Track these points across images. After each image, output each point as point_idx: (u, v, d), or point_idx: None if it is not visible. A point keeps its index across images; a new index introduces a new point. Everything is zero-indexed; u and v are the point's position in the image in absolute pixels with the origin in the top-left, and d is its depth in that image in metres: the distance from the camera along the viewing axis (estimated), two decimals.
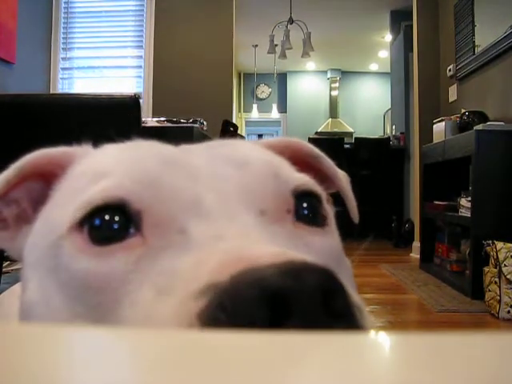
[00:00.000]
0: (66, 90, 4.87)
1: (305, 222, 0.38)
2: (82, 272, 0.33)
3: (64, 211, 0.36)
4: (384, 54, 8.43)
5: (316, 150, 0.52)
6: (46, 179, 0.43)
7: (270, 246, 0.31)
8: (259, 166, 0.39)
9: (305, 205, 0.39)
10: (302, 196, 0.39)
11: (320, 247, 0.38)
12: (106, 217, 0.34)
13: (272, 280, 0.25)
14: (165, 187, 0.35)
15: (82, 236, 0.34)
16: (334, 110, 9.86)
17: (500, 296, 2.48)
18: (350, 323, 0.27)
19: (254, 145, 0.45)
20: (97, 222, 0.34)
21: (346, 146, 6.38)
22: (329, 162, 0.52)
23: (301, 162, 0.48)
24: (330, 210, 0.43)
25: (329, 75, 9.95)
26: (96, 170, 0.38)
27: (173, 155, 0.39)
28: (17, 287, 0.75)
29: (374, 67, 9.69)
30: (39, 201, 0.42)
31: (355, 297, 0.29)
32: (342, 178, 0.54)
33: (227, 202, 0.35)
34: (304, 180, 0.40)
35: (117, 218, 0.34)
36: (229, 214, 0.34)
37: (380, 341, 0.20)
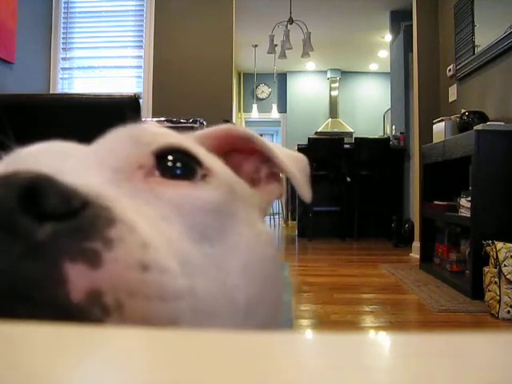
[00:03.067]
0: (66, 90, 4.87)
1: (170, 178, 0.39)
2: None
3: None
4: (384, 54, 8.44)
5: (248, 132, 0.52)
6: None
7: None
8: (122, 133, 0.41)
9: (168, 163, 0.39)
10: (169, 155, 0.40)
11: (175, 197, 0.37)
12: None
13: None
14: (23, 162, 0.36)
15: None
16: (333, 110, 9.87)
17: (500, 296, 2.48)
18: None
19: (152, 126, 0.47)
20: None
21: (346, 146, 6.38)
22: (261, 141, 0.52)
23: (240, 146, 0.51)
24: (223, 169, 0.44)
25: (329, 75, 9.96)
26: None
27: (63, 146, 0.40)
28: None
29: (373, 67, 9.69)
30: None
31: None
32: (295, 158, 0.55)
33: (83, 167, 0.36)
34: (169, 141, 0.41)
35: None
36: (82, 176, 0.34)
37: (380, 341, 0.20)
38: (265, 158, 0.52)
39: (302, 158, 0.57)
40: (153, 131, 0.42)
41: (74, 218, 0.27)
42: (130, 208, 0.32)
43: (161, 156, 0.39)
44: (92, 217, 0.27)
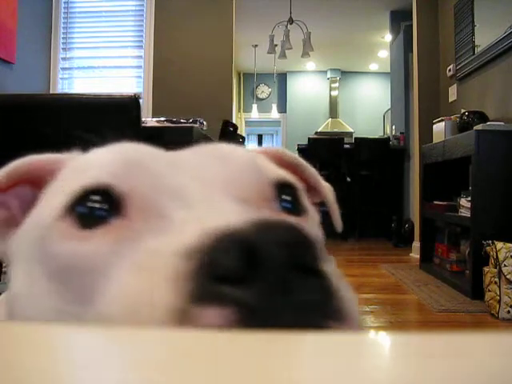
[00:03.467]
0: (66, 90, 4.87)
1: (286, 212, 0.39)
2: (68, 255, 0.34)
3: (49, 205, 0.37)
4: (384, 54, 8.44)
5: (299, 159, 0.53)
6: (36, 185, 0.44)
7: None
8: (241, 159, 0.40)
9: (285, 196, 0.40)
10: (282, 188, 0.40)
11: None
12: (91, 202, 0.35)
13: (242, 233, 0.27)
14: (148, 172, 0.36)
15: (68, 222, 0.35)
16: (333, 110, 9.87)
17: (500, 296, 2.48)
18: (318, 278, 0.28)
19: (238, 146, 0.47)
20: (82, 207, 0.35)
21: (346, 146, 6.38)
22: (312, 171, 0.54)
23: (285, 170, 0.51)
24: (311, 207, 0.44)
25: (329, 75, 9.96)
26: (84, 165, 0.39)
27: (157, 151, 0.40)
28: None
29: (373, 67, 9.69)
30: (29, 206, 0.43)
31: (330, 265, 0.30)
32: (326, 187, 0.56)
33: (209, 190, 0.36)
34: (284, 174, 0.42)
35: (101, 203, 0.35)
36: (210, 200, 0.35)
37: (380, 341, 0.20)
38: (306, 186, 0.52)
39: (331, 188, 0.58)
40: (264, 159, 0.43)
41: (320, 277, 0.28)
42: None
43: (278, 188, 0.40)
44: (327, 287, 0.29)
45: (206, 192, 0.36)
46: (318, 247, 0.29)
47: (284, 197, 0.40)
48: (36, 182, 0.44)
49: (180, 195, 0.35)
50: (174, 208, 0.34)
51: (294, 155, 0.53)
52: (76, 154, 0.45)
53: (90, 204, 0.35)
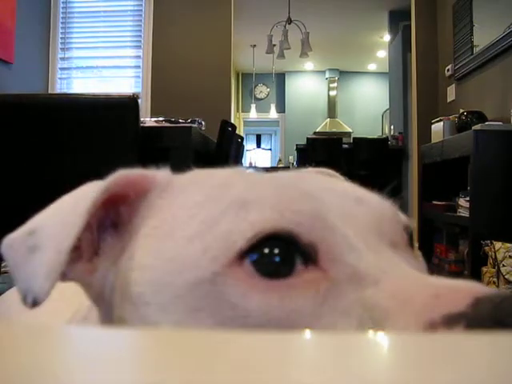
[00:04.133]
0: (65, 90, 4.86)
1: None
2: (260, 308, 0.31)
3: (198, 244, 0.34)
4: (382, 53, 8.44)
5: None
6: (112, 202, 0.40)
7: (427, 276, 0.34)
8: (377, 201, 0.41)
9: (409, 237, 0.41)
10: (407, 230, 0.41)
11: (423, 268, 0.41)
12: (275, 249, 0.33)
13: (506, 310, 0.27)
14: (328, 221, 0.35)
15: (244, 270, 0.32)
16: (332, 109, 9.87)
17: None
18: None
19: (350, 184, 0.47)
20: (262, 255, 0.32)
21: (345, 146, 6.38)
22: None
23: None
24: None
25: (327, 75, 9.96)
26: (229, 199, 0.36)
27: (305, 187, 0.38)
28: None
29: (372, 67, 9.70)
30: (103, 225, 0.39)
31: None
32: None
33: (364, 236, 0.35)
34: (406, 218, 0.43)
35: (285, 251, 0.33)
36: (370, 247, 0.34)
37: (379, 341, 0.20)
38: None
39: None
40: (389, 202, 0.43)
41: None
42: None
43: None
44: None
45: (362, 237, 0.35)
46: None
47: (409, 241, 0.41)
48: (114, 200, 0.39)
49: (348, 242, 0.34)
50: (351, 256, 0.33)
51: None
52: (167, 174, 0.41)
53: (272, 251, 0.33)
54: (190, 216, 0.36)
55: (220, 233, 0.33)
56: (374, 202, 0.40)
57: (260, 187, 0.37)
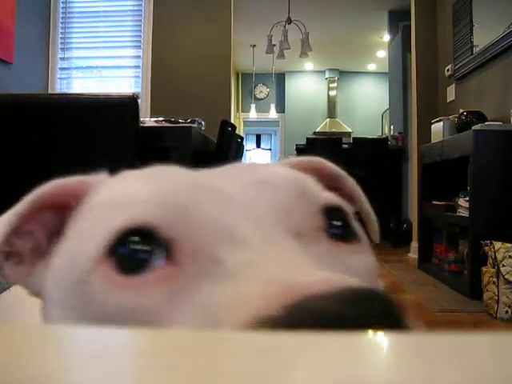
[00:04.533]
0: (65, 90, 4.86)
1: (338, 240, 0.37)
2: (114, 306, 0.31)
3: (87, 244, 0.34)
4: (382, 53, 8.44)
5: (338, 169, 0.50)
6: (60, 210, 0.41)
7: (314, 270, 0.30)
8: (285, 184, 0.38)
9: (336, 222, 0.37)
10: (332, 213, 0.38)
11: (356, 265, 0.36)
12: (135, 245, 0.32)
13: (332, 310, 0.24)
14: (196, 214, 0.33)
15: (109, 267, 0.32)
16: (332, 109, 9.87)
17: (498, 296, 2.48)
18: None
19: (277, 164, 0.44)
20: (124, 250, 0.32)
21: (344, 145, 6.38)
22: (352, 182, 0.51)
23: (323, 181, 0.47)
24: (359, 227, 0.41)
25: (327, 75, 9.96)
26: (118, 198, 0.36)
27: (199, 180, 0.37)
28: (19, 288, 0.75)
29: (372, 67, 9.70)
30: (54, 232, 0.41)
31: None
32: (364, 198, 0.52)
33: (261, 227, 0.33)
34: (332, 197, 0.39)
35: (146, 246, 0.32)
36: (264, 239, 0.32)
37: (379, 341, 0.20)
38: (347, 196, 0.49)
39: (366, 200, 0.55)
40: (305, 179, 0.40)
41: None
42: None
43: (327, 214, 0.37)
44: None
45: (257, 227, 0.33)
46: (405, 313, 0.27)
47: (334, 222, 0.37)
48: (60, 208, 0.41)
49: (231, 235, 0.32)
50: (227, 250, 0.31)
51: (333, 165, 0.50)
52: (102, 176, 0.42)
53: (132, 246, 0.32)
54: (90, 216, 0.37)
55: (98, 230, 0.34)
56: (281, 187, 0.37)
57: (149, 184, 0.36)
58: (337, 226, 0.37)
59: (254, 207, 0.35)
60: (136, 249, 0.32)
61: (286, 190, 0.37)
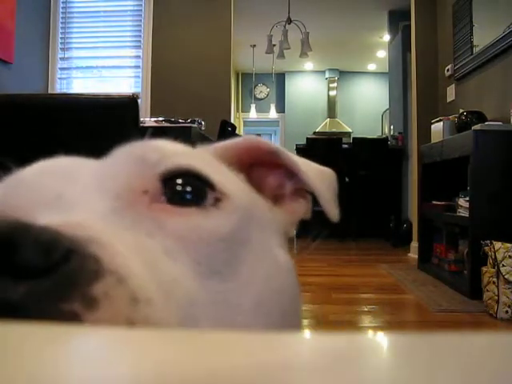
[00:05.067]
0: (65, 90, 4.87)
1: (176, 204, 0.35)
2: None
3: None
4: (382, 53, 8.45)
5: (272, 145, 0.48)
6: None
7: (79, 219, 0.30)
8: (125, 153, 0.38)
9: (177, 187, 0.36)
10: (177, 178, 0.36)
11: (179, 227, 0.34)
12: None
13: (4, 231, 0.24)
14: (26, 188, 0.35)
15: None
16: (332, 109, 9.87)
17: (498, 296, 2.48)
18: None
19: (168, 142, 0.43)
20: None
21: (344, 146, 6.39)
22: (287, 156, 0.48)
23: (264, 160, 0.47)
24: (239, 191, 0.40)
25: (327, 75, 9.97)
26: None
27: (65, 164, 0.39)
28: None
29: (372, 67, 9.70)
30: None
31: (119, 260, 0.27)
32: (310, 171, 0.49)
33: (86, 191, 0.34)
34: (178, 162, 0.37)
35: None
36: (84, 202, 0.33)
37: (378, 341, 0.20)
38: (290, 173, 0.49)
39: (330, 173, 0.53)
40: (160, 150, 0.39)
41: (54, 273, 0.24)
42: (128, 245, 0.29)
43: (168, 179, 0.36)
44: (73, 271, 0.24)
45: (82, 194, 0.34)
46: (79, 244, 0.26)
47: (179, 188, 0.36)
48: None
49: (58, 202, 0.33)
50: (44, 214, 0.31)
51: (268, 142, 0.48)
52: None
53: None
54: None
55: None
56: (121, 155, 0.38)
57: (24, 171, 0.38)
58: (175, 191, 0.36)
59: (90, 176, 0.36)
60: None
61: (122, 159, 0.38)
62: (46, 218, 0.30)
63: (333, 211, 0.49)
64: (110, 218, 0.32)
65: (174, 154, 0.39)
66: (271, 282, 0.36)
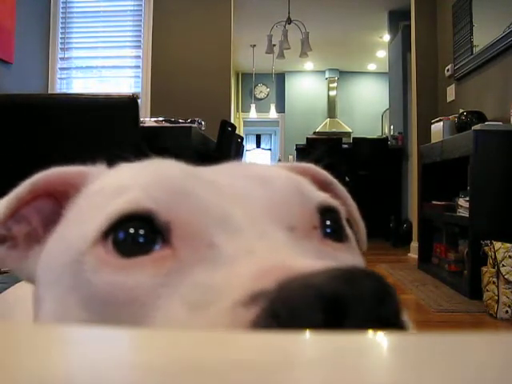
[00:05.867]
0: (65, 90, 4.87)
1: (330, 239, 0.38)
2: (107, 285, 0.32)
3: (82, 227, 0.35)
4: (382, 53, 8.44)
5: (330, 176, 0.51)
6: (58, 198, 0.42)
7: (302, 258, 0.30)
8: (283, 182, 0.39)
9: (328, 221, 0.38)
10: (325, 212, 0.39)
11: (345, 262, 0.36)
12: (132, 229, 0.33)
13: (326, 285, 0.24)
14: (192, 199, 0.34)
15: (105, 249, 0.33)
16: (332, 109, 9.87)
17: (498, 296, 2.48)
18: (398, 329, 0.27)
19: (271, 166, 0.45)
20: (122, 234, 0.33)
21: (344, 146, 6.39)
22: (342, 189, 0.52)
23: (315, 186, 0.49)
24: (349, 228, 0.43)
25: (327, 75, 9.96)
26: (116, 185, 0.37)
27: (196, 170, 0.38)
28: (19, 287, 0.76)
29: (372, 67, 9.69)
30: (51, 220, 0.41)
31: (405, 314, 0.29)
32: (353, 205, 0.53)
33: (256, 217, 0.34)
34: (326, 197, 0.40)
35: (143, 230, 0.33)
36: (258, 229, 0.33)
37: (378, 341, 0.20)
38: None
39: (355, 206, 0.56)
40: (306, 182, 0.41)
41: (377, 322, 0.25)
42: None
43: (321, 214, 0.38)
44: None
45: (253, 219, 0.34)
46: (398, 298, 0.27)
47: (327, 222, 0.38)
48: (58, 195, 0.42)
49: (226, 223, 0.33)
50: (222, 237, 0.32)
51: (325, 172, 0.51)
52: (101, 168, 0.44)
53: (130, 230, 0.33)
54: (87, 202, 0.38)
55: (95, 214, 0.35)
56: (279, 184, 0.38)
57: (146, 172, 0.37)
58: (329, 225, 0.38)
59: (249, 199, 0.36)
60: (133, 233, 0.33)
61: (283, 187, 0.38)
62: (227, 241, 0.32)
63: (364, 240, 0.53)
64: (295, 250, 0.32)
65: (312, 186, 0.41)
66: None
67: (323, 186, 0.50)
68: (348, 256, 0.38)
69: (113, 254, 0.32)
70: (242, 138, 4.34)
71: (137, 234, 0.33)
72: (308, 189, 0.40)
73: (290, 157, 9.07)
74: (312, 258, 0.32)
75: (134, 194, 0.34)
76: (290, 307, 0.24)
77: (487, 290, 2.59)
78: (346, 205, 0.51)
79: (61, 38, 4.84)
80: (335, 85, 9.93)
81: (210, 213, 0.34)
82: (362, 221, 0.54)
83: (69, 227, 0.38)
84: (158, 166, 0.39)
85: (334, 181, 0.51)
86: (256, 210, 0.35)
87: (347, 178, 6.05)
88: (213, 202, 0.34)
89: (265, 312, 0.25)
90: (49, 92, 4.71)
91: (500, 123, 3.12)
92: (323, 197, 0.40)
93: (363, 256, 0.42)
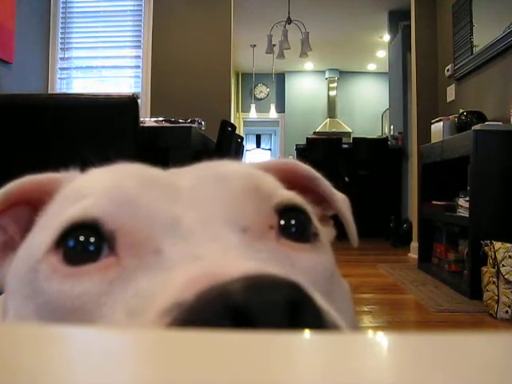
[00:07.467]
0: (65, 90, 4.87)
1: (291, 239, 0.37)
2: (55, 293, 0.32)
3: (42, 235, 0.36)
4: (382, 53, 8.44)
5: (312, 171, 0.50)
6: (33, 206, 0.43)
7: (248, 262, 0.30)
8: (240, 181, 0.38)
9: (291, 221, 0.38)
10: (287, 212, 0.38)
11: (306, 264, 0.36)
12: (81, 237, 0.33)
13: (236, 295, 0.25)
14: (140, 207, 0.35)
15: (57, 258, 0.33)
16: (332, 109, 9.87)
17: (498, 296, 2.48)
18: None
19: (242, 164, 0.45)
20: (71, 242, 0.33)
21: (344, 146, 6.39)
22: (326, 184, 0.51)
23: (297, 183, 0.48)
24: (322, 228, 0.41)
25: (327, 75, 9.96)
26: (77, 192, 0.37)
27: (154, 176, 0.38)
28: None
29: (372, 67, 9.70)
30: (27, 228, 0.42)
31: (331, 313, 0.28)
32: (341, 200, 0.52)
33: (208, 220, 0.34)
34: (289, 196, 0.39)
35: (92, 239, 0.33)
36: (209, 233, 0.33)
37: (378, 341, 0.20)
38: (319, 198, 0.50)
39: (346, 199, 0.55)
40: (265, 179, 0.40)
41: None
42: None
43: (281, 213, 0.38)
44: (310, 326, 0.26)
45: (204, 222, 0.34)
46: (318, 305, 0.27)
47: (290, 222, 0.37)
48: (33, 204, 0.42)
49: (175, 229, 0.33)
50: (170, 243, 0.32)
51: (308, 167, 0.50)
52: (74, 173, 0.44)
53: (79, 238, 0.33)
54: (53, 210, 0.39)
55: (52, 222, 0.36)
56: (235, 184, 0.38)
57: (103, 179, 0.38)
58: (290, 225, 0.37)
59: (204, 201, 0.36)
60: (82, 241, 0.33)
61: (240, 186, 0.38)
62: (173, 247, 0.32)
63: (355, 236, 0.53)
64: (245, 252, 0.32)
65: (275, 184, 0.40)
66: (345, 309, 0.38)
67: (306, 182, 0.49)
68: (311, 256, 0.37)
69: (62, 262, 0.33)
70: (242, 138, 4.34)
71: (86, 242, 0.33)
72: (268, 187, 0.39)
73: (290, 157, 9.06)
74: (263, 260, 0.32)
75: (86, 202, 0.35)
76: (201, 317, 0.25)
77: (487, 290, 2.59)
78: (332, 200, 0.50)
79: (61, 37, 4.84)
80: (335, 85, 9.93)
81: (158, 219, 0.34)
82: (352, 216, 0.53)
83: (33, 235, 0.39)
84: (117, 172, 0.39)
85: (318, 176, 0.50)
86: (209, 212, 0.35)
87: (347, 178, 6.06)
88: (163, 208, 0.35)
89: (176, 321, 0.25)
90: (49, 92, 4.71)
91: (500, 123, 3.12)
92: (286, 195, 0.39)
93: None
